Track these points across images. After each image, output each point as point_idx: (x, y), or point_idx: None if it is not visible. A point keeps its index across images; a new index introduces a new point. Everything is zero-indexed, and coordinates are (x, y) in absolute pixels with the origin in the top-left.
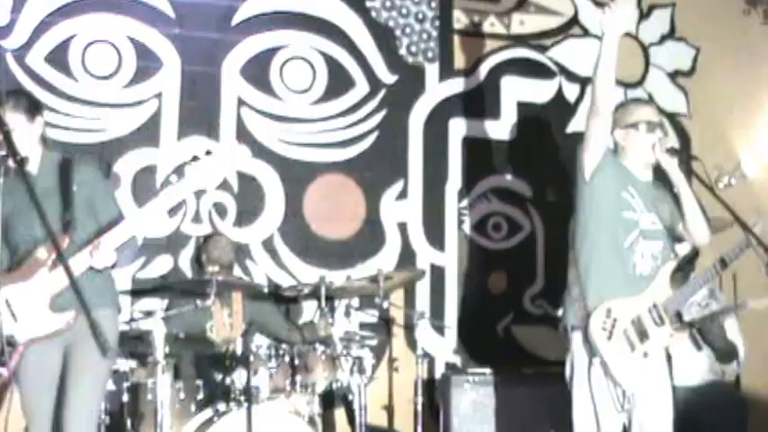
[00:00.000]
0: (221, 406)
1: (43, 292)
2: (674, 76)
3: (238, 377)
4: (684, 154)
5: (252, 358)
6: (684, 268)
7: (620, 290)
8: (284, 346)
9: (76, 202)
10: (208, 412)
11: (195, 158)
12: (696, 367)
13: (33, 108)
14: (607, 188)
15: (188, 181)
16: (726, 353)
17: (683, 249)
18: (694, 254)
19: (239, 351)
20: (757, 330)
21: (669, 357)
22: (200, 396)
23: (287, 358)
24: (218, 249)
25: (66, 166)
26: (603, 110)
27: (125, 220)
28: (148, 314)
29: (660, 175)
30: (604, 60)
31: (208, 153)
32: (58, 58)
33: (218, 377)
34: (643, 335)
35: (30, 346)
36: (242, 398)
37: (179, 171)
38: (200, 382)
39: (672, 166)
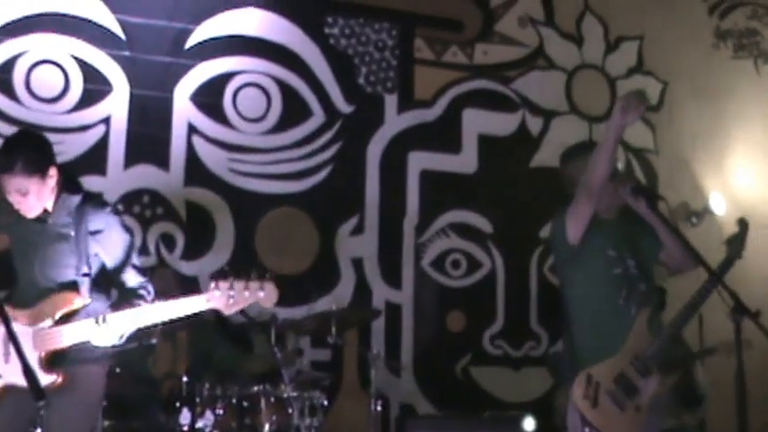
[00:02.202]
0: None
1: (40, 346)
2: None
3: (183, 419)
4: (649, 190)
5: (198, 399)
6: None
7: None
8: (231, 387)
9: (89, 253)
10: None
11: (255, 279)
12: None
13: (44, 164)
14: (593, 251)
15: (225, 298)
16: (693, 399)
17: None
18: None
19: (184, 392)
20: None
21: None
22: None
23: (234, 400)
24: (162, 283)
25: (83, 208)
26: (597, 191)
27: (139, 308)
28: None
29: None
30: (609, 147)
31: (263, 284)
32: (1, 79)
33: (162, 418)
34: (632, 390)
35: (10, 390)
36: None
37: (230, 281)
38: (142, 424)
39: (638, 206)
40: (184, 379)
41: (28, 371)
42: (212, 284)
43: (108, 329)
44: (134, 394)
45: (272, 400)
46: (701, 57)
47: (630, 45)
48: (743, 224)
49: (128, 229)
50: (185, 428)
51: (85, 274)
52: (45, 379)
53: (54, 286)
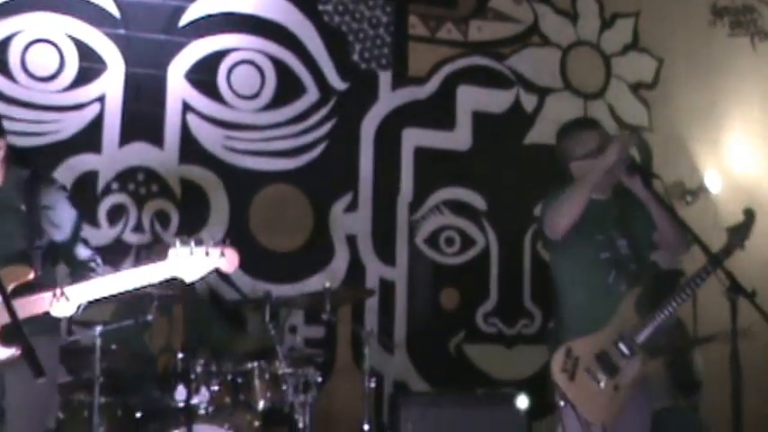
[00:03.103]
0: (160, 424)
1: None
2: (636, 87)
3: (178, 395)
4: (645, 168)
5: (193, 376)
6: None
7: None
8: (226, 363)
9: (41, 228)
10: (146, 431)
11: (203, 243)
12: (654, 391)
13: None
14: (580, 237)
15: (185, 264)
16: (691, 386)
17: None
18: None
19: (179, 368)
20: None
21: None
22: (138, 414)
23: (228, 376)
24: (159, 258)
25: (33, 185)
26: (574, 215)
27: (99, 279)
28: (86, 325)
29: None
30: (586, 188)
31: (223, 250)
32: None
33: (158, 395)
34: (612, 369)
35: None
36: (182, 416)
37: (190, 248)
38: (138, 400)
39: (634, 184)
40: (179, 355)
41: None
42: (172, 252)
43: (66, 301)
44: (130, 371)
45: (267, 376)
46: (697, 34)
47: (626, 22)
48: (749, 214)
49: (75, 205)
50: (180, 405)
51: (38, 247)
52: (4, 351)
53: (4, 260)
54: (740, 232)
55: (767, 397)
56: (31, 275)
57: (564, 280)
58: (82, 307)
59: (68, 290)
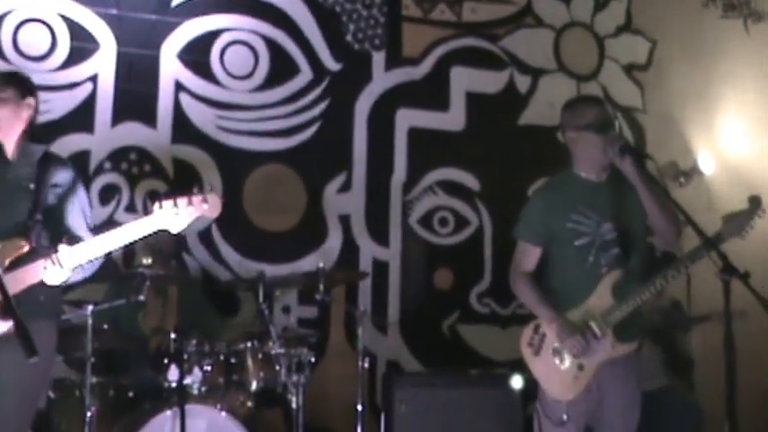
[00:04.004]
0: (153, 404)
1: None
2: (629, 69)
3: (171, 375)
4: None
5: (186, 356)
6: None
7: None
8: (219, 344)
9: (47, 204)
10: (139, 411)
11: (188, 194)
12: (650, 372)
13: (26, 87)
14: (552, 234)
15: (171, 216)
16: (685, 366)
17: None
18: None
19: (172, 348)
20: (709, 336)
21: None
22: (131, 394)
23: (221, 357)
24: (156, 238)
25: (47, 162)
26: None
27: (88, 241)
28: (78, 305)
29: None
30: (540, 314)
31: (205, 197)
32: None
33: (150, 375)
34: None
35: None
36: (174, 396)
37: (163, 199)
38: (130, 380)
39: (626, 167)
40: (172, 336)
41: (23, 331)
42: (155, 205)
43: (59, 267)
44: (122, 351)
45: (260, 356)
46: (690, 16)
47: (619, 3)
48: (755, 202)
49: (86, 189)
50: (173, 385)
51: (37, 220)
52: (2, 325)
53: (5, 234)
54: (739, 221)
55: (761, 376)
56: (26, 248)
57: (543, 261)
58: (76, 270)
59: (59, 255)
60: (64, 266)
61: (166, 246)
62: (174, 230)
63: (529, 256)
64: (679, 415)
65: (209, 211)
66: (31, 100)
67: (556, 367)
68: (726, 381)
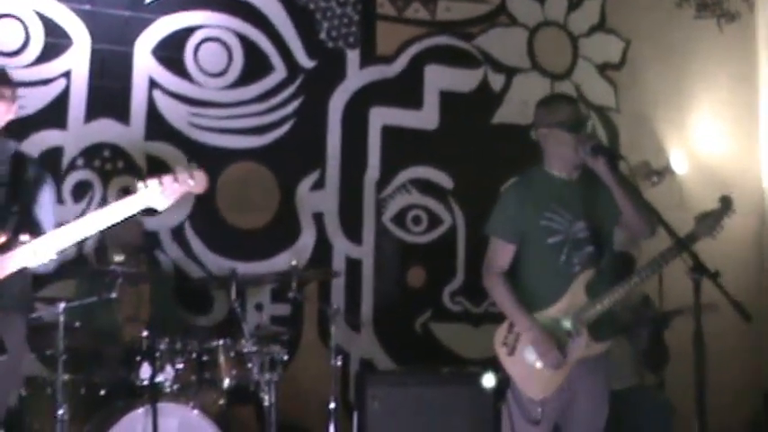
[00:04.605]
0: (125, 402)
1: None
2: (602, 68)
3: (143, 373)
4: (610, 150)
5: (158, 354)
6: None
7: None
8: (191, 341)
9: (21, 195)
10: (111, 409)
11: (160, 177)
12: (620, 371)
13: (15, 85)
14: (525, 231)
15: (157, 194)
16: (658, 361)
17: None
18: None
19: (144, 346)
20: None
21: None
22: (103, 392)
23: (194, 354)
24: (129, 234)
25: (20, 158)
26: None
27: (68, 225)
28: (50, 302)
29: None
30: (515, 320)
31: (191, 173)
32: None
33: (122, 373)
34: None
35: None
36: (146, 394)
37: (139, 184)
38: (102, 378)
39: (599, 167)
40: (144, 333)
41: None
42: (141, 184)
43: (42, 248)
44: (94, 348)
45: (232, 354)
46: (664, 15)
47: (593, 3)
48: (726, 202)
49: (53, 190)
50: (145, 383)
51: (14, 212)
52: None
53: None
54: (709, 221)
55: (733, 376)
56: (3, 238)
57: (516, 259)
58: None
59: (43, 239)
60: (49, 250)
61: (135, 239)
62: (161, 208)
63: (503, 253)
64: (648, 414)
65: (196, 186)
66: (18, 104)
67: (531, 366)
68: (695, 379)
